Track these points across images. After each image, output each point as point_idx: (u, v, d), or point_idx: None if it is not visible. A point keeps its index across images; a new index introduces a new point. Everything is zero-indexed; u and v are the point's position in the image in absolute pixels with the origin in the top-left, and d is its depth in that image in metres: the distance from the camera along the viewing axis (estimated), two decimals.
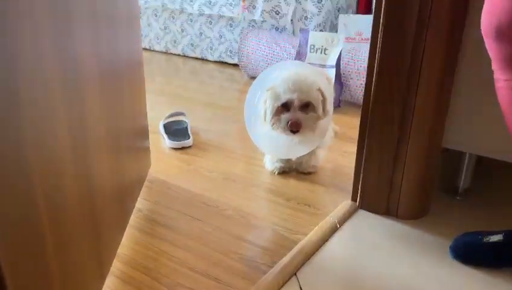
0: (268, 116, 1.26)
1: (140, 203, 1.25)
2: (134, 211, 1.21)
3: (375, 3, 1.07)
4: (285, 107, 1.25)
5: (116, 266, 1.00)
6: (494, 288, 0.94)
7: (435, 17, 1.00)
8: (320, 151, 1.46)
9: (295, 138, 1.29)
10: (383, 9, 1.04)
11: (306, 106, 1.25)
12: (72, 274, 0.73)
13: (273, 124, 1.26)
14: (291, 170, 1.44)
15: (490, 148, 1.12)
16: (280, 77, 1.25)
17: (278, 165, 1.42)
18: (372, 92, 1.12)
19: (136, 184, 1.21)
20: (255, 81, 1.36)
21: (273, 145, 1.36)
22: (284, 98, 1.23)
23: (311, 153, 1.42)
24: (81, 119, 0.74)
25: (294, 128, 1.23)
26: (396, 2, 1.02)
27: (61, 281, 0.68)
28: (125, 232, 1.10)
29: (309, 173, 1.43)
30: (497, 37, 0.83)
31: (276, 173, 1.41)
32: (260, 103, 1.30)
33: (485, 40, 0.87)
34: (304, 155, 1.42)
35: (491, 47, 0.87)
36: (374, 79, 1.11)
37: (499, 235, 1.00)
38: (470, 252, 1.01)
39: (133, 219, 1.17)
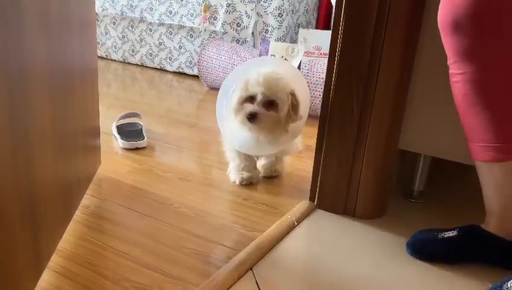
0: (234, 104, 1.24)
1: (87, 200, 1.17)
2: (81, 207, 1.13)
3: (334, 17, 1.09)
4: (251, 100, 1.23)
5: (56, 261, 0.91)
6: (450, 282, 0.94)
7: (391, 26, 1.03)
8: (287, 158, 1.43)
9: (255, 131, 1.24)
10: (341, 22, 1.06)
11: (271, 104, 1.22)
12: (2, 262, 0.66)
13: (236, 113, 1.24)
14: (258, 180, 1.37)
15: (444, 150, 1.15)
16: (257, 70, 1.24)
17: (246, 175, 1.33)
18: (330, 95, 1.13)
19: (83, 181, 1.15)
20: (233, 72, 1.35)
21: (241, 140, 1.31)
22: (250, 91, 1.21)
23: (277, 158, 1.39)
24: (24, 118, 0.73)
25: (250, 116, 1.20)
26: (354, 16, 1.05)
27: None
28: (69, 228, 1.02)
29: (271, 177, 1.40)
30: (454, 30, 0.86)
31: (243, 183, 1.33)
32: (234, 94, 1.27)
33: (441, 33, 0.90)
34: (269, 159, 1.39)
35: (447, 40, 0.89)
36: (332, 82, 1.12)
37: (453, 231, 1.01)
38: (426, 248, 1.01)
39: (78, 215, 1.09)
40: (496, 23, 0.83)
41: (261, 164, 1.42)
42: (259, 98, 1.20)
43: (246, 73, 1.26)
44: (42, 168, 0.82)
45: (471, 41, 0.84)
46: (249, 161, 1.35)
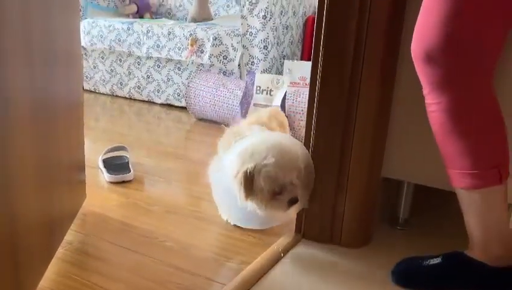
0: (262, 201, 1.07)
1: (71, 236, 1.15)
2: (64, 243, 1.11)
3: (313, 52, 1.11)
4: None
5: None
6: None
7: (369, 57, 1.06)
8: None
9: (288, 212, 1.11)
10: (320, 56, 1.09)
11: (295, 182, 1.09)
12: None
13: (270, 209, 1.08)
14: None
15: (427, 177, 1.16)
16: (268, 154, 1.06)
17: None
18: (313, 124, 1.14)
19: (66, 216, 1.14)
20: (223, 141, 1.24)
21: (245, 215, 1.18)
22: (284, 180, 1.06)
23: None
24: (4, 152, 0.73)
25: (294, 202, 1.08)
26: (333, 50, 1.08)
27: None
28: (51, 265, 1.00)
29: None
30: (427, 62, 0.89)
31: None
32: (233, 173, 1.09)
33: (415, 64, 0.93)
34: None
35: (421, 71, 0.92)
36: (314, 111, 1.14)
37: (437, 258, 1.01)
38: (410, 276, 1.01)
39: (61, 252, 1.08)
40: (467, 54, 0.86)
41: None
42: (295, 183, 1.07)
43: (250, 149, 1.09)
44: (23, 204, 0.81)
45: (443, 72, 0.87)
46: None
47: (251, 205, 1.09)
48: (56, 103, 1.00)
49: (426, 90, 0.93)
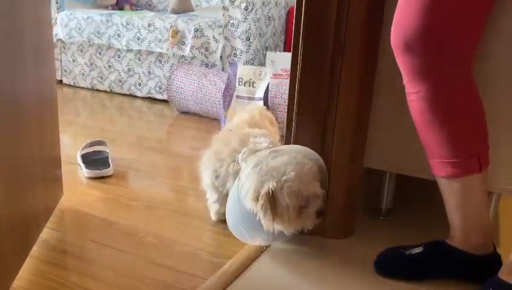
0: (292, 217, 1.00)
1: (47, 234, 1.12)
2: (39, 241, 1.08)
3: (293, 42, 1.10)
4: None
5: None
6: None
7: (349, 45, 1.04)
8: None
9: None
10: (300, 47, 1.08)
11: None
12: None
13: (299, 223, 1.03)
14: None
15: (408, 166, 1.16)
16: (286, 166, 1.01)
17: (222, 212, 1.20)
18: (294, 116, 1.13)
19: (41, 214, 1.11)
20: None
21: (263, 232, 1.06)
22: (307, 192, 1.00)
23: None
24: None
25: (321, 213, 1.04)
26: (312, 38, 1.06)
27: None
28: (26, 264, 0.97)
29: None
30: (405, 51, 0.88)
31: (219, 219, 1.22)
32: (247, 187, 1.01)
33: (395, 53, 0.92)
34: None
35: (400, 60, 0.91)
36: (295, 102, 1.12)
37: (419, 247, 1.01)
38: (393, 266, 1.01)
39: (36, 250, 1.05)
40: (444, 43, 0.85)
41: None
42: (319, 192, 1.03)
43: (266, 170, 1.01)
44: None
45: (422, 61, 0.86)
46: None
47: (277, 227, 1.01)
48: (25, 99, 0.97)
49: (406, 79, 0.92)
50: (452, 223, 0.97)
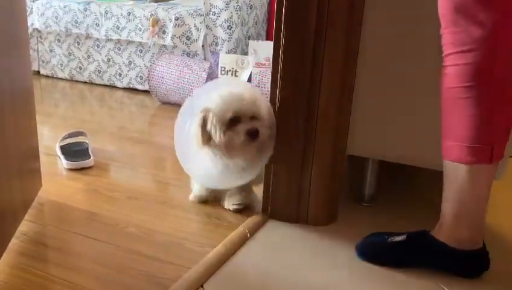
0: (218, 134, 1.07)
1: (25, 226, 1.09)
2: (18, 234, 1.06)
3: (275, 27, 1.09)
4: (234, 122, 1.08)
5: None
6: (398, 285, 0.95)
7: (331, 34, 1.03)
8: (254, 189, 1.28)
9: (253, 150, 1.11)
10: (282, 35, 1.08)
11: (253, 119, 1.09)
12: None
13: (227, 141, 1.07)
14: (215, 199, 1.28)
15: (390, 153, 1.17)
16: (215, 96, 1.09)
17: (201, 194, 1.27)
18: (276, 104, 1.12)
19: (18, 206, 1.08)
20: (181, 110, 1.22)
21: (211, 175, 1.16)
22: (232, 111, 1.06)
23: (244, 188, 1.24)
24: None
25: (253, 133, 1.06)
26: (294, 23, 1.05)
27: None
28: (3, 258, 0.95)
29: (235, 211, 1.22)
30: (455, 18, 0.83)
31: (196, 201, 1.27)
32: (193, 128, 1.11)
33: (442, 24, 0.86)
34: (234, 189, 1.24)
35: (447, 30, 0.86)
36: (277, 92, 1.12)
37: (402, 235, 1.00)
38: (375, 251, 1.01)
39: (15, 243, 1.02)
40: (499, 6, 0.79)
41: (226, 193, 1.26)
42: (247, 113, 1.07)
43: (194, 108, 1.12)
44: None
45: (471, 30, 0.81)
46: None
47: (208, 153, 1.11)
48: None
49: (448, 51, 0.87)
50: (445, 211, 0.94)
